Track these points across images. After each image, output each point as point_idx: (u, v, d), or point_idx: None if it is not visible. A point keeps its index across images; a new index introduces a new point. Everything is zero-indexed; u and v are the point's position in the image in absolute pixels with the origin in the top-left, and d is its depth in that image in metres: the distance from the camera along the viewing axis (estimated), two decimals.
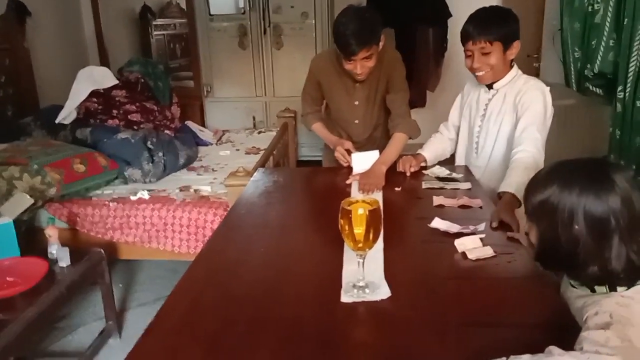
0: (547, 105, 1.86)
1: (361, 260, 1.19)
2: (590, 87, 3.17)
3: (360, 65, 2.05)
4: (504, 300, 1.19)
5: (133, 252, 2.93)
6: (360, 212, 1.12)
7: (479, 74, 1.92)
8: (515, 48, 1.88)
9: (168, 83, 4.07)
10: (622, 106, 2.78)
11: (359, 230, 1.13)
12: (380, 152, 2.15)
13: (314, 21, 4.80)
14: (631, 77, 2.71)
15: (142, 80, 3.82)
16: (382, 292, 1.19)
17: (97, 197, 2.97)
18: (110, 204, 2.87)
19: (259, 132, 4.56)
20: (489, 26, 1.83)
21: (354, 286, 1.21)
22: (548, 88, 1.90)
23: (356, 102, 2.32)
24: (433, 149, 2.23)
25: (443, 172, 2.08)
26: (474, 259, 1.33)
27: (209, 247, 1.50)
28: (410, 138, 2.25)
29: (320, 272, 1.32)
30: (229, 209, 2.06)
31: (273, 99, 5.10)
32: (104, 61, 5.20)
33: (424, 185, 1.94)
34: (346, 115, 2.39)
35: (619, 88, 2.78)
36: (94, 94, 3.59)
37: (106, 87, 3.64)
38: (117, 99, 3.64)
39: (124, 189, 3.10)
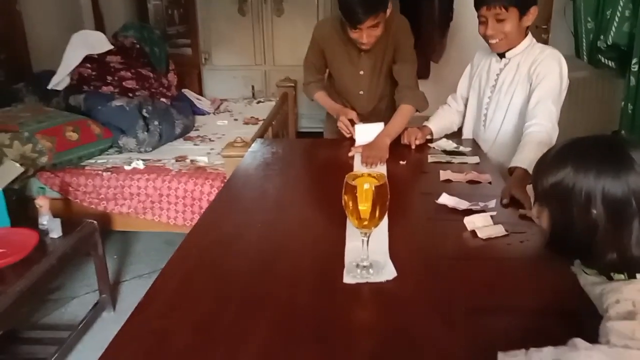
0: (563, 77, 1.76)
1: (365, 239, 1.11)
2: (603, 59, 3.06)
3: (367, 34, 1.94)
4: (516, 282, 1.11)
5: (127, 224, 2.85)
6: (366, 187, 1.03)
7: (492, 41, 1.81)
8: (532, 14, 1.76)
9: (165, 49, 3.93)
10: (635, 79, 2.67)
11: (364, 207, 1.04)
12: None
13: None
14: None
15: (138, 46, 3.68)
16: (388, 272, 1.12)
17: (91, 167, 2.88)
18: (104, 173, 2.78)
19: (258, 102, 4.44)
20: None
21: (357, 266, 1.13)
22: (564, 59, 1.79)
23: (361, 72, 2.22)
24: (440, 122, 2.14)
25: (450, 145, 1.98)
26: (484, 238, 1.25)
27: (202, 221, 1.42)
28: (417, 111, 2.16)
29: (321, 250, 1.24)
30: (226, 180, 1.97)
31: (273, 67, 4.97)
32: (99, 25, 5.02)
33: (430, 159, 1.85)
34: (350, 86, 2.28)
35: (634, 61, 2.67)
36: (87, 59, 3.45)
37: (100, 52, 3.50)
38: (111, 65, 3.51)
39: (118, 158, 3.01)
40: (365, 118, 2.26)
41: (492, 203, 1.41)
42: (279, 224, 1.39)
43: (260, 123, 3.57)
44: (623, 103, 2.80)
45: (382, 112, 2.33)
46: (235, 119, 3.94)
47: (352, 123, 2.09)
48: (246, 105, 4.37)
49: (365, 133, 2.02)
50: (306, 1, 4.70)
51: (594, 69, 3.20)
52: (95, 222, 2.46)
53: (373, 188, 1.03)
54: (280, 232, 1.35)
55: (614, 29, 2.83)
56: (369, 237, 1.10)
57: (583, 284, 1.01)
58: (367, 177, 1.08)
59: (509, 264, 1.19)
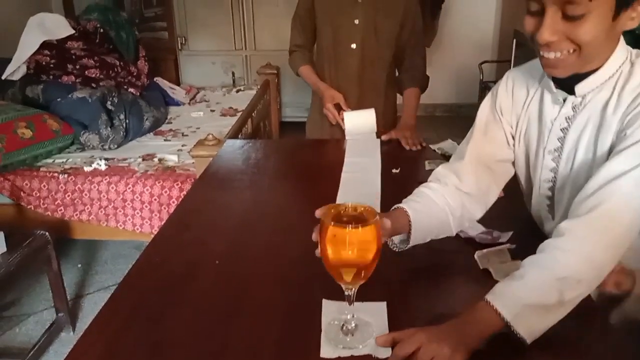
0: None
1: (351, 294, 0.84)
2: None
3: None
4: (548, 344, 0.84)
5: (88, 232, 2.57)
6: (349, 231, 0.75)
7: (549, 55, 0.89)
8: None
9: (133, 34, 3.59)
10: None
11: (349, 254, 0.77)
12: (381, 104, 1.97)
13: None
14: None
15: (102, 30, 3.34)
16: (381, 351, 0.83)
17: (47, 167, 2.58)
18: (60, 176, 2.48)
19: (238, 91, 4.13)
20: None
21: (342, 329, 0.85)
22: None
23: (356, 21, 1.97)
24: (425, 217, 1.03)
25: (454, 149, 1.70)
26: (501, 280, 0.99)
27: (145, 256, 1.12)
28: None
29: (293, 300, 0.97)
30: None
31: (254, 52, 4.66)
32: (68, 8, 4.68)
33: (428, 167, 1.58)
34: (342, 37, 2.02)
35: None
36: (46, 45, 3.12)
37: (60, 37, 3.17)
38: (72, 51, 3.18)
39: (79, 157, 2.72)
40: (362, 90, 2.04)
41: (507, 235, 1.14)
42: (241, 259, 1.11)
43: (239, 114, 3.27)
44: None
45: (377, 85, 2.08)
46: (212, 110, 3.64)
47: (339, 109, 1.91)
48: (225, 94, 4.06)
49: (355, 121, 1.83)
50: None
51: None
52: (47, 233, 2.16)
53: (362, 231, 0.76)
54: (242, 271, 1.07)
55: None
56: (354, 292, 0.83)
57: None
58: (351, 211, 0.80)
59: None
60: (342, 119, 1.90)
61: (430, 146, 1.76)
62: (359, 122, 1.83)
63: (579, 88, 0.94)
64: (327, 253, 0.78)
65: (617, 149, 0.87)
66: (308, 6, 2.02)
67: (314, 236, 0.83)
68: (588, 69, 0.91)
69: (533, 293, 0.80)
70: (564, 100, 0.98)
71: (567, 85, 0.95)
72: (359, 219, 0.78)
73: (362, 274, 0.79)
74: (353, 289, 0.82)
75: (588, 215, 0.84)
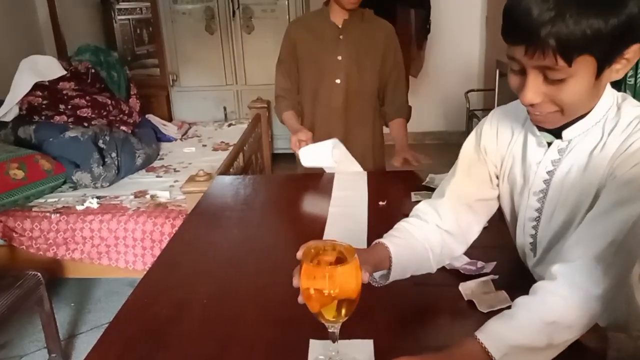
0: None
1: (335, 331, 0.85)
2: None
3: None
4: None
5: (81, 270, 2.56)
6: (328, 270, 0.77)
7: (535, 113, 0.90)
8: (633, 56, 0.84)
9: (124, 73, 3.65)
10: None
11: (330, 294, 0.78)
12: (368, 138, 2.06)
13: (287, 2, 4.39)
14: None
15: (93, 71, 3.40)
16: None
17: (39, 207, 2.59)
18: (52, 216, 2.49)
19: (229, 125, 4.19)
20: (579, 19, 0.76)
21: None
22: None
23: (339, 57, 2.03)
24: (405, 249, 1.03)
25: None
26: (485, 311, 1.00)
27: (133, 298, 1.13)
28: None
29: (278, 341, 0.97)
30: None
31: (245, 87, 4.72)
32: (61, 49, 4.74)
33: (414, 198, 1.60)
34: (327, 73, 2.06)
35: (629, 73, 2.45)
36: (38, 86, 3.17)
37: (52, 78, 3.22)
38: (64, 92, 3.23)
39: (71, 196, 2.73)
40: (348, 123, 2.10)
41: (490, 265, 1.16)
42: (228, 299, 1.12)
43: (231, 149, 3.31)
44: None
45: (368, 117, 2.15)
46: (204, 145, 3.68)
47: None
48: (216, 129, 4.11)
49: (311, 154, 1.88)
50: (276, 17, 4.47)
51: None
52: (39, 274, 2.16)
53: (340, 270, 0.77)
54: (229, 311, 1.08)
55: None
56: (337, 330, 0.85)
57: None
58: (330, 250, 0.82)
59: None
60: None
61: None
62: (316, 153, 1.87)
63: (566, 133, 0.93)
64: (308, 292, 0.79)
65: (604, 191, 0.88)
66: (290, 49, 2.08)
67: (295, 282, 0.83)
68: (572, 117, 0.91)
69: (523, 335, 0.80)
70: (549, 144, 0.97)
71: (554, 129, 0.94)
72: (338, 258, 0.80)
73: (343, 312, 0.80)
74: (336, 327, 0.84)
75: (580, 261, 0.83)
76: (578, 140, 0.93)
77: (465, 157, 1.12)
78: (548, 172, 0.98)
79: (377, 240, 1.03)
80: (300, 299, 0.83)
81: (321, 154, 1.84)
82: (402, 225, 1.08)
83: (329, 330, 0.84)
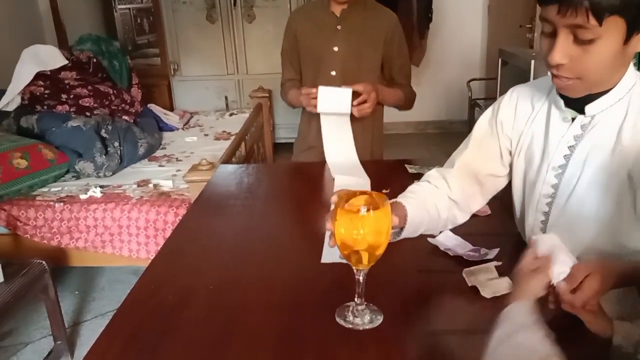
0: None
1: (360, 278, 0.92)
2: None
3: None
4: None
5: (85, 259, 2.58)
6: (364, 213, 0.83)
7: (560, 81, 0.90)
8: None
9: (126, 62, 3.65)
10: None
11: (363, 235, 0.84)
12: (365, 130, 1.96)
13: None
14: None
15: (95, 60, 3.40)
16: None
17: (42, 197, 2.60)
18: (56, 205, 2.50)
19: (231, 114, 4.19)
20: None
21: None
22: None
23: (335, 48, 1.98)
24: (418, 209, 1.08)
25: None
26: (489, 297, 1.02)
27: (139, 285, 1.14)
28: (400, 108, 2.07)
29: (283, 326, 0.99)
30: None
31: (246, 76, 4.72)
32: (62, 39, 4.73)
33: (410, 170, 1.63)
34: (323, 65, 2.02)
35: None
36: (40, 76, 3.17)
37: (53, 68, 3.22)
38: (66, 81, 3.23)
39: (74, 185, 2.74)
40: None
41: (493, 252, 1.17)
42: (233, 286, 1.13)
43: (233, 138, 3.31)
44: None
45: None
46: (206, 134, 3.68)
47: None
48: (218, 118, 4.11)
49: (329, 98, 1.76)
50: (277, 6, 4.46)
51: None
52: (44, 262, 2.18)
53: (374, 213, 0.83)
54: (234, 298, 1.08)
55: None
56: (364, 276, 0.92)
57: None
58: (359, 196, 0.88)
59: None
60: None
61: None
62: (333, 97, 1.77)
63: (589, 108, 0.94)
64: (341, 235, 0.85)
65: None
66: (291, 39, 2.05)
67: (328, 225, 0.88)
68: (600, 90, 0.92)
69: None
70: (572, 119, 0.99)
71: (578, 104, 0.96)
72: (371, 203, 0.85)
73: (372, 257, 0.87)
74: (363, 273, 0.91)
75: None
76: (601, 116, 0.94)
77: (479, 130, 1.15)
78: (569, 147, 0.99)
79: (393, 199, 1.06)
80: (332, 242, 0.88)
81: (339, 99, 1.76)
82: (415, 187, 1.14)
83: (356, 277, 0.91)
